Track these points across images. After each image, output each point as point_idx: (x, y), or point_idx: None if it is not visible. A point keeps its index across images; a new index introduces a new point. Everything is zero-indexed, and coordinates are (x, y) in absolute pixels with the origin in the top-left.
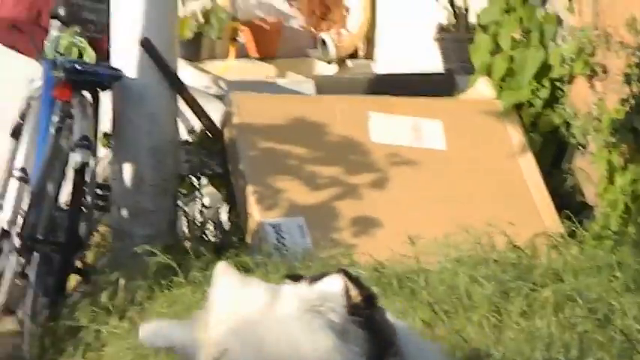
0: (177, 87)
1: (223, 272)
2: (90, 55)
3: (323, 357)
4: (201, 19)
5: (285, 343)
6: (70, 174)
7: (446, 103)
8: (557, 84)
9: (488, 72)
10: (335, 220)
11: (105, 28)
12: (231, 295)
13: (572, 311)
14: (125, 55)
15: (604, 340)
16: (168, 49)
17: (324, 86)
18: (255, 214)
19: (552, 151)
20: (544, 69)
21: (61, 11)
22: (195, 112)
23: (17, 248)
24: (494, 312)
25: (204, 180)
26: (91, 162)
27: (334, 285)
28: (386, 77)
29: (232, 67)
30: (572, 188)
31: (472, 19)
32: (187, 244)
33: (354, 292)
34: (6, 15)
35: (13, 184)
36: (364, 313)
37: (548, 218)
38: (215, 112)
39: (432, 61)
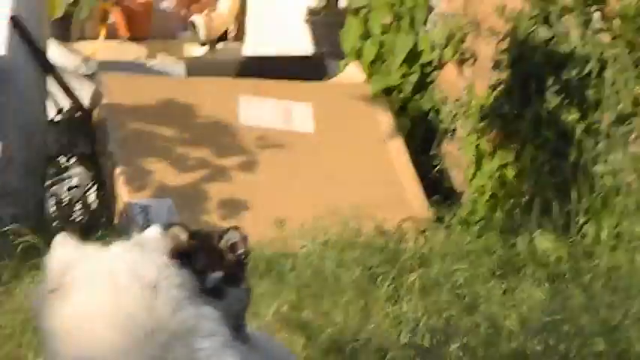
0: (47, 66)
1: (61, 242)
2: None
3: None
4: None
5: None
6: None
7: (316, 87)
8: (427, 69)
9: (359, 56)
10: (203, 202)
11: None
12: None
13: (439, 296)
14: None
15: (470, 326)
16: (37, 28)
17: (195, 68)
18: (124, 195)
19: (421, 136)
20: (414, 54)
21: None
22: (64, 92)
23: None
24: (361, 296)
25: (72, 160)
26: None
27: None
28: (256, 60)
29: (102, 48)
30: (440, 173)
31: (343, 2)
32: (55, 224)
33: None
34: None
35: None
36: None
37: (416, 203)
38: (84, 92)
39: (302, 45)
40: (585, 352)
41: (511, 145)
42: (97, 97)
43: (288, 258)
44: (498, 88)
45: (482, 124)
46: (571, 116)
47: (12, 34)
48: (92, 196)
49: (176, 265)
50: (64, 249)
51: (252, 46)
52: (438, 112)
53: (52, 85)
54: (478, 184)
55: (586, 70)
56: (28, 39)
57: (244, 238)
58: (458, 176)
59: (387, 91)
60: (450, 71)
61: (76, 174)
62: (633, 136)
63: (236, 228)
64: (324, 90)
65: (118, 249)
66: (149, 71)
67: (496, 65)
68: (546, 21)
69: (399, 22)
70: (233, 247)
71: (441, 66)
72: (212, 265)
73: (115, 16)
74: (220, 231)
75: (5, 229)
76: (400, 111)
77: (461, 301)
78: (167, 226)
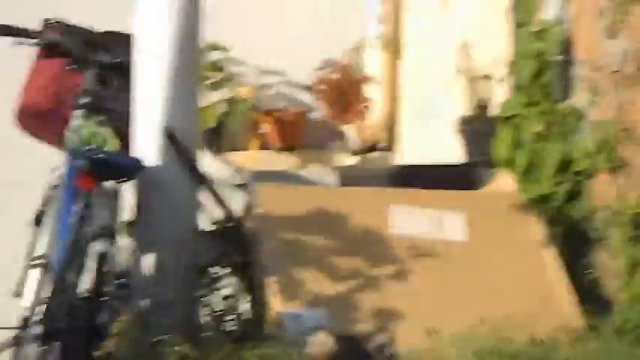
0: (199, 177)
1: None
2: (113, 145)
3: None
4: (224, 109)
5: None
6: (90, 263)
7: (468, 196)
8: (579, 178)
9: (510, 165)
10: (356, 312)
11: (127, 117)
12: None
13: None
14: (147, 145)
15: None
16: (190, 139)
17: (346, 178)
18: (276, 305)
19: (573, 245)
20: (566, 163)
21: (85, 100)
22: (216, 202)
23: (37, 336)
24: None
25: (225, 270)
26: (112, 251)
27: None
28: (407, 169)
29: (254, 158)
30: (592, 282)
31: (494, 111)
32: (207, 334)
33: None
34: (29, 103)
35: (34, 272)
36: None
37: (569, 312)
38: (237, 202)
39: (453, 154)
40: None
41: None
42: (249, 206)
43: None
44: None
45: (635, 232)
46: None
47: (165, 145)
48: (244, 306)
49: None
50: None
51: (404, 156)
52: (589, 220)
53: (204, 196)
54: (632, 292)
55: None
56: (181, 150)
57: (391, 340)
58: (611, 285)
59: (539, 200)
60: (602, 180)
61: (229, 284)
62: None
63: (381, 330)
64: (476, 199)
65: None
66: (301, 181)
67: None
68: None
69: (550, 130)
70: (380, 349)
71: (593, 174)
72: None
73: (267, 127)
74: (367, 334)
75: (157, 339)
76: (552, 220)
77: None
78: (313, 333)
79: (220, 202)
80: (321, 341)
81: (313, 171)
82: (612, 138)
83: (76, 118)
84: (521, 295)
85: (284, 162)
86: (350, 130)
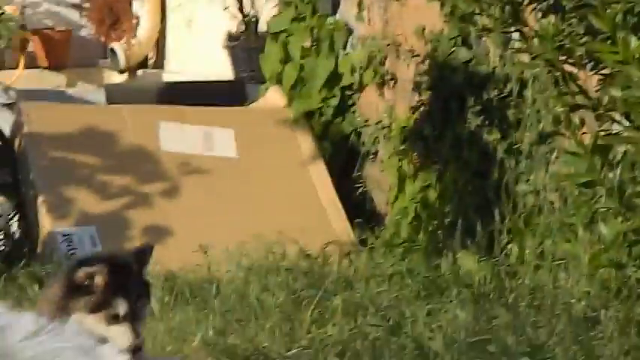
0: None
1: None
2: None
3: None
4: None
5: None
6: None
7: (236, 112)
8: (348, 92)
9: (279, 80)
10: (127, 229)
11: None
12: None
13: (364, 319)
14: None
15: (396, 348)
16: None
17: (115, 95)
18: (46, 224)
19: (343, 159)
20: (334, 77)
21: None
22: None
23: None
24: (286, 320)
25: None
26: None
27: None
28: (176, 86)
29: (22, 77)
30: (362, 196)
31: (262, 27)
32: None
33: None
34: None
35: None
36: None
37: (340, 226)
38: (5, 121)
39: (222, 70)
40: None
41: (433, 166)
42: (17, 126)
43: (212, 284)
44: (419, 110)
45: (403, 146)
46: (492, 136)
47: None
48: (15, 226)
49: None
50: None
51: (172, 73)
52: (359, 135)
53: None
54: (401, 207)
55: (506, 91)
56: None
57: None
58: (380, 199)
59: (308, 115)
60: (370, 94)
61: None
62: (554, 155)
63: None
64: (245, 115)
65: None
66: (69, 99)
67: (416, 87)
68: (465, 42)
69: (318, 45)
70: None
71: (361, 89)
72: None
73: (35, 45)
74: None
75: None
76: (321, 134)
77: (386, 324)
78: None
79: None
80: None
81: (82, 89)
82: (380, 52)
83: None
84: (292, 211)
85: (52, 80)
86: (118, 48)
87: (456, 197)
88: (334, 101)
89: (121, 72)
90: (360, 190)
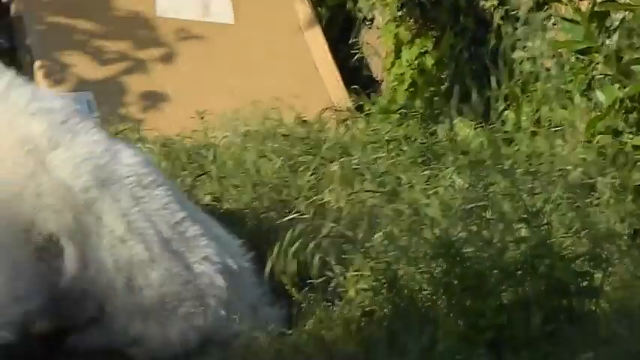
0: None
1: None
2: None
3: None
4: None
5: None
6: None
7: None
8: None
9: None
10: (123, 95)
11: None
12: None
13: (361, 185)
14: None
15: (392, 214)
16: None
17: None
18: (43, 89)
19: (339, 25)
20: None
21: None
22: None
23: None
24: (284, 186)
25: None
26: None
27: None
28: None
29: None
30: (359, 62)
31: None
32: None
33: None
34: None
35: None
36: None
37: (336, 92)
38: None
39: None
40: (508, 237)
41: (430, 32)
42: None
43: (209, 149)
44: None
45: (400, 12)
46: (489, 3)
47: None
48: None
49: None
50: None
51: None
52: (356, 0)
53: None
54: (397, 73)
55: None
56: None
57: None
58: (377, 65)
59: None
60: None
61: None
62: (551, 21)
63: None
64: None
65: None
66: None
67: None
68: None
69: None
70: None
71: None
72: None
73: None
74: None
75: None
76: (318, 1)
77: (383, 190)
78: None
79: None
80: None
81: None
82: None
83: None
84: (289, 77)
85: None
86: None
87: (453, 64)
88: None
89: None
90: (357, 56)
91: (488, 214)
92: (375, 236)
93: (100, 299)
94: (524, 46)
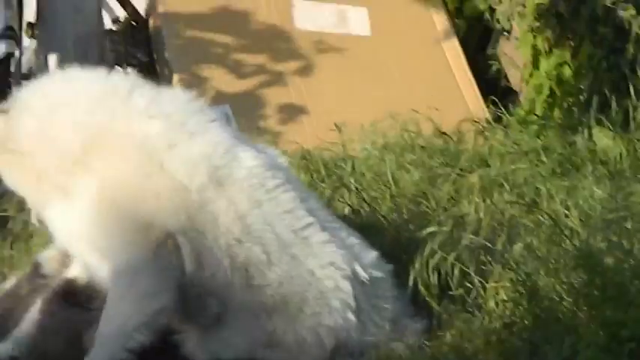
0: None
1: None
2: None
3: None
4: None
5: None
6: None
7: None
8: None
9: None
10: (261, 108)
11: None
12: None
13: (500, 196)
14: None
15: (532, 225)
16: None
17: None
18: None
19: (477, 36)
20: None
21: None
22: (119, 1)
23: None
24: (422, 198)
25: (130, 69)
26: (16, 52)
27: None
28: None
29: None
30: (497, 74)
31: None
32: None
33: None
34: None
35: None
36: None
37: (474, 104)
38: (139, 1)
39: None
40: None
41: (568, 43)
42: (152, 5)
43: (347, 161)
44: None
45: (538, 23)
46: (628, 12)
47: None
48: None
49: None
50: None
51: None
52: (493, 12)
53: None
54: (535, 83)
55: None
56: None
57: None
58: (514, 76)
59: None
60: None
61: None
62: None
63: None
64: None
65: None
66: None
67: None
68: None
69: None
70: None
71: None
72: None
73: None
74: None
75: None
76: (456, 12)
77: (522, 201)
78: None
79: (123, 0)
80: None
81: None
82: None
83: None
84: (426, 89)
85: None
86: None
87: (591, 74)
88: None
89: None
90: (494, 67)
91: (628, 225)
92: (515, 247)
93: (220, 297)
94: None
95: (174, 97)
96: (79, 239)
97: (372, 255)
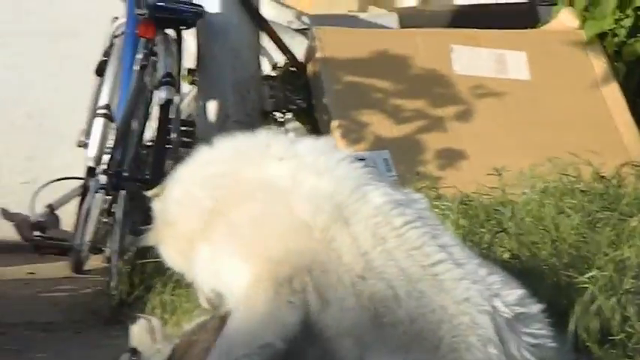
0: (259, 22)
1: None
2: None
3: None
4: None
5: None
6: (154, 111)
7: (529, 35)
8: None
9: (571, 2)
10: (420, 153)
11: None
12: None
13: None
14: None
15: None
16: None
17: (407, 19)
18: (341, 148)
19: (637, 79)
20: None
21: None
22: (278, 47)
23: (103, 186)
24: (582, 242)
25: (288, 115)
26: (175, 98)
27: None
28: (467, 9)
29: (314, 2)
30: None
31: None
32: None
33: None
34: None
35: (98, 122)
36: None
37: (634, 147)
38: (298, 46)
39: None
40: None
41: None
42: (310, 51)
43: (506, 206)
44: None
45: None
46: None
47: None
48: None
49: None
50: None
51: None
52: None
53: (265, 41)
54: None
55: None
56: None
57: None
58: None
59: (601, 36)
60: None
61: (293, 129)
62: None
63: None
64: (537, 37)
65: None
66: (361, 24)
67: None
68: None
69: None
70: None
71: None
72: None
73: None
74: None
75: None
76: (614, 55)
77: None
78: None
79: (282, 46)
80: None
81: (374, 14)
82: None
83: None
84: (586, 133)
85: (344, 5)
86: None
87: None
88: (628, 22)
89: None
90: None
91: None
92: None
93: (355, 336)
94: None
95: (310, 141)
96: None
97: (517, 292)
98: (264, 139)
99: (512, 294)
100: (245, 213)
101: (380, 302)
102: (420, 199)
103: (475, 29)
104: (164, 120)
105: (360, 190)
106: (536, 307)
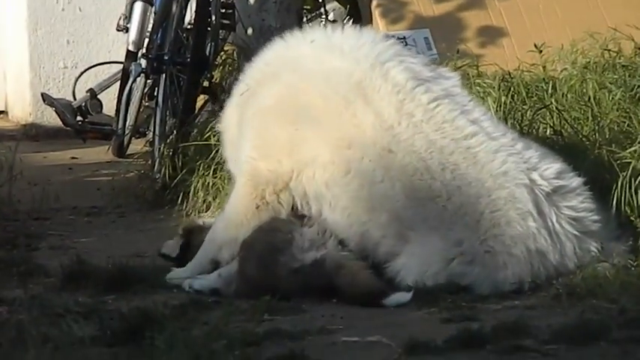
0: None
1: None
2: None
3: None
4: None
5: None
6: None
7: None
8: None
9: None
10: (461, 31)
11: None
12: None
13: None
14: None
15: None
16: None
17: None
18: (381, 27)
19: None
20: None
21: None
22: None
23: (144, 70)
24: (624, 117)
25: None
26: None
27: None
28: None
29: None
30: None
31: None
32: None
33: None
34: None
35: (138, 6)
36: None
37: None
38: None
39: None
40: None
41: None
42: None
43: (548, 82)
44: None
45: None
46: None
47: None
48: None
49: None
50: None
51: None
52: None
53: None
54: None
55: None
56: None
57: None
58: None
59: None
60: None
61: (332, 9)
62: None
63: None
64: None
65: None
66: None
67: None
68: None
69: None
70: None
71: None
72: None
73: None
74: None
75: None
76: None
77: None
78: None
79: None
80: None
81: None
82: None
83: None
84: (625, 7)
85: None
86: None
87: None
88: None
89: None
90: None
91: None
92: None
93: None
94: None
95: (345, 26)
96: None
97: (556, 166)
98: (306, 29)
99: (551, 167)
100: (268, 94)
101: (412, 175)
102: (450, 76)
103: None
104: (204, 3)
105: (383, 67)
106: (576, 181)
